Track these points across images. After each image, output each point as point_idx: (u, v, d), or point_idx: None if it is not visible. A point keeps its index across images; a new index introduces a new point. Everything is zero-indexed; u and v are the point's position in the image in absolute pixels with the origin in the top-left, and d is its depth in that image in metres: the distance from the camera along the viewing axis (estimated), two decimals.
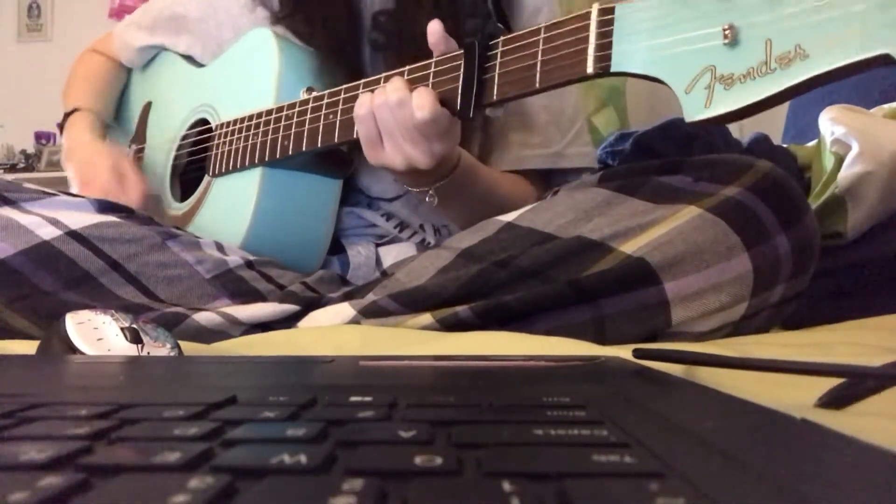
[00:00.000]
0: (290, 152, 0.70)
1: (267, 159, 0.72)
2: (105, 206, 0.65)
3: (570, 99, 0.79)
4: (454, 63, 0.58)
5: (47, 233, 0.59)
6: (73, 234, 0.60)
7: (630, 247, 0.52)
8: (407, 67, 0.61)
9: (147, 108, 0.97)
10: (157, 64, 0.96)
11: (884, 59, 0.36)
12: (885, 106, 0.90)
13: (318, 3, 0.76)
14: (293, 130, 0.70)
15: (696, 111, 0.42)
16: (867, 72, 0.37)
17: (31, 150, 3.24)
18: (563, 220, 0.56)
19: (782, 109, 1.39)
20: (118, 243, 0.61)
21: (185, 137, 0.87)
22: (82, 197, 0.66)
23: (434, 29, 0.59)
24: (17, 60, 3.36)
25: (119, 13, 3.34)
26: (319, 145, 0.68)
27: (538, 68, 0.52)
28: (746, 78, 0.40)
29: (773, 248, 0.53)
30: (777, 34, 0.39)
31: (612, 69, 0.47)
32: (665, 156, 0.66)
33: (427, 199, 0.68)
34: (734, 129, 1.24)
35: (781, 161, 0.78)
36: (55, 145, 3.21)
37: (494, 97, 0.55)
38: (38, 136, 3.24)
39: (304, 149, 0.69)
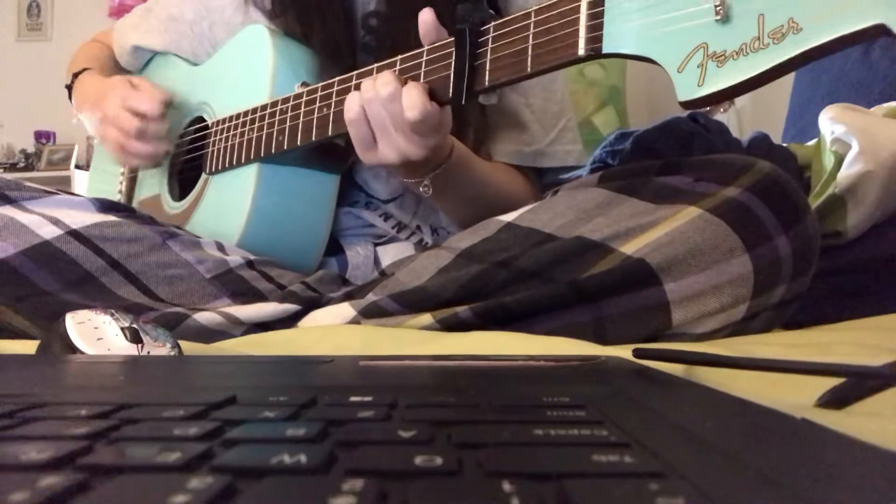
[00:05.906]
0: (286, 147, 0.70)
1: (262, 154, 0.72)
2: (106, 206, 0.65)
3: (554, 96, 0.79)
4: (446, 51, 0.57)
5: (48, 232, 0.59)
6: (74, 234, 0.60)
7: (630, 248, 0.52)
8: (399, 57, 0.61)
9: None
10: (154, 65, 0.95)
11: (878, 30, 0.35)
12: (885, 105, 0.89)
13: (314, 3, 0.76)
14: (288, 125, 0.70)
15: (688, 91, 0.41)
16: (863, 42, 0.36)
17: (30, 149, 3.24)
18: (564, 220, 0.56)
19: (782, 109, 1.39)
20: (119, 243, 0.61)
21: (182, 136, 0.87)
22: (82, 196, 0.66)
23: (425, 18, 0.59)
24: (16, 60, 3.36)
25: (119, 13, 3.34)
26: (314, 139, 0.67)
27: (529, 52, 0.51)
28: (739, 54, 0.39)
29: (773, 249, 0.52)
30: (769, 8, 0.38)
31: (604, 50, 0.46)
32: (665, 155, 0.65)
33: (421, 189, 0.68)
34: (734, 128, 1.24)
35: (781, 160, 0.78)
36: (55, 145, 3.21)
37: (486, 83, 0.54)
38: (38, 136, 3.24)
39: (298, 143, 0.69)
